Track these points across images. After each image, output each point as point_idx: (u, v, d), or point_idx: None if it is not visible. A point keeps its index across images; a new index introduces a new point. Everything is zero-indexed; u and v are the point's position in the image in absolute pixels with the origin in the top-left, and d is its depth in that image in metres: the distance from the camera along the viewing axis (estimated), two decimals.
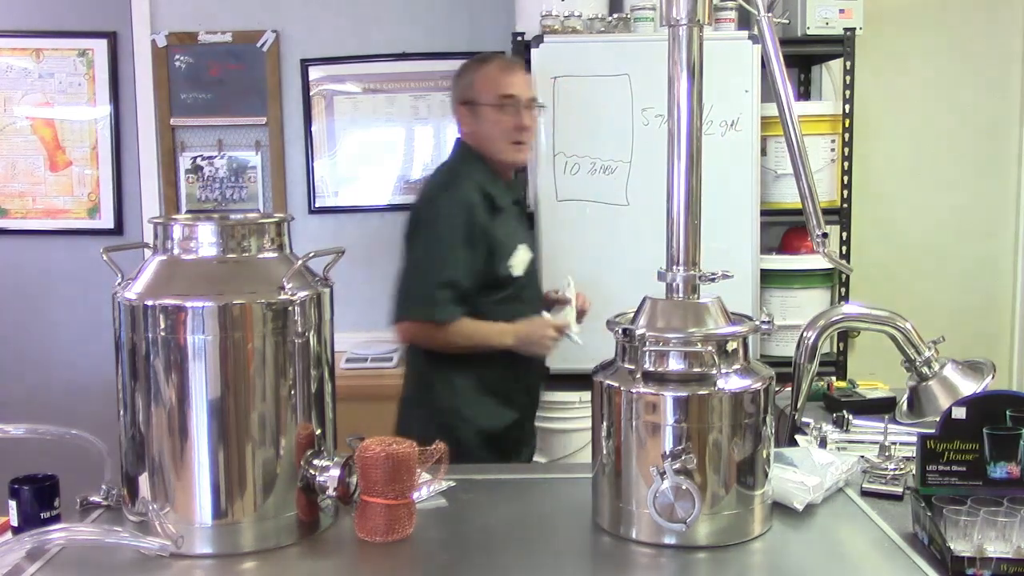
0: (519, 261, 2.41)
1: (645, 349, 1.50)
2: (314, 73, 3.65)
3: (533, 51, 3.06)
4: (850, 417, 2.07)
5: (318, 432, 1.55)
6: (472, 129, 2.45)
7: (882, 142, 3.56)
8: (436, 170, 2.57)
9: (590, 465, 1.59)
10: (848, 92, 3.23)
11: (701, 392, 1.46)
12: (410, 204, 2.57)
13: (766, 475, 1.53)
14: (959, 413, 1.57)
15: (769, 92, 1.91)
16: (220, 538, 1.47)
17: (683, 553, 1.47)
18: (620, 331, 1.55)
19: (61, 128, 3.72)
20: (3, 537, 1.54)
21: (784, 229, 3.46)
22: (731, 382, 1.48)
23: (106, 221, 3.73)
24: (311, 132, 3.67)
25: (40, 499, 1.55)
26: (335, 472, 1.51)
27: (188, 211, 3.66)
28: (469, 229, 2.33)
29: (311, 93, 3.66)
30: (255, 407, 1.47)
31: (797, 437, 2.02)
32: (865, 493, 1.69)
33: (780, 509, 1.59)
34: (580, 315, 2.50)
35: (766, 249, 3.31)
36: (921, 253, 3.62)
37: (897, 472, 1.75)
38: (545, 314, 2.44)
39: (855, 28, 3.20)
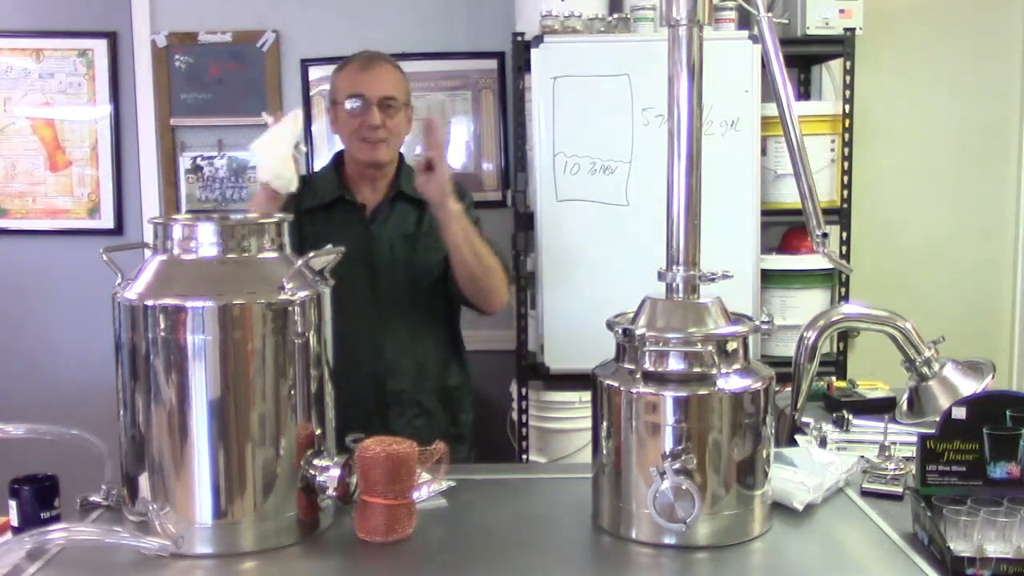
0: (316, 263, 2.31)
1: (645, 349, 1.50)
2: (314, 73, 3.65)
3: (533, 51, 3.06)
4: (850, 417, 2.07)
5: (318, 432, 1.55)
6: (335, 129, 2.43)
7: (882, 142, 3.56)
8: None
9: (590, 465, 1.59)
10: (848, 92, 3.23)
11: (701, 392, 1.46)
12: None
13: (766, 475, 1.53)
14: (959, 413, 1.56)
15: (769, 92, 1.91)
16: (220, 538, 1.47)
17: (683, 553, 1.47)
18: (620, 331, 1.55)
19: (61, 128, 3.72)
20: (3, 537, 1.54)
21: (784, 229, 3.46)
22: (731, 382, 1.48)
23: (106, 221, 3.72)
24: (311, 132, 3.67)
25: (40, 499, 1.55)
26: (335, 472, 1.51)
27: (188, 211, 3.66)
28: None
29: (311, 93, 3.65)
30: (255, 407, 1.47)
31: (797, 437, 2.02)
32: (865, 493, 1.69)
33: (780, 509, 1.59)
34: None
35: (766, 249, 3.30)
36: (921, 253, 3.62)
37: (897, 472, 1.75)
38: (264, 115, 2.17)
39: (855, 28, 3.20)
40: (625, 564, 1.47)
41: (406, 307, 2.41)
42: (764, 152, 3.19)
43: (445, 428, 2.45)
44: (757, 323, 1.57)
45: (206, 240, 1.51)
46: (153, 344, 1.45)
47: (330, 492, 1.51)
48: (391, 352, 2.39)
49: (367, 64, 2.39)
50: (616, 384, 1.51)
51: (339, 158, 2.48)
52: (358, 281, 2.33)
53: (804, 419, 2.07)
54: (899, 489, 1.69)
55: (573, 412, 3.15)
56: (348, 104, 2.34)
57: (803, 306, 3.22)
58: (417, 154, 2.29)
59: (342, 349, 2.14)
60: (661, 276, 1.59)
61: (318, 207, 2.38)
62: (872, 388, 2.32)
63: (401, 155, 2.46)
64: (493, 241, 2.43)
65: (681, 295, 1.57)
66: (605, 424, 1.53)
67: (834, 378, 2.58)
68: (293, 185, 2.11)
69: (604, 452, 1.54)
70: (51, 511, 1.56)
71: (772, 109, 2.73)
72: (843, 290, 3.30)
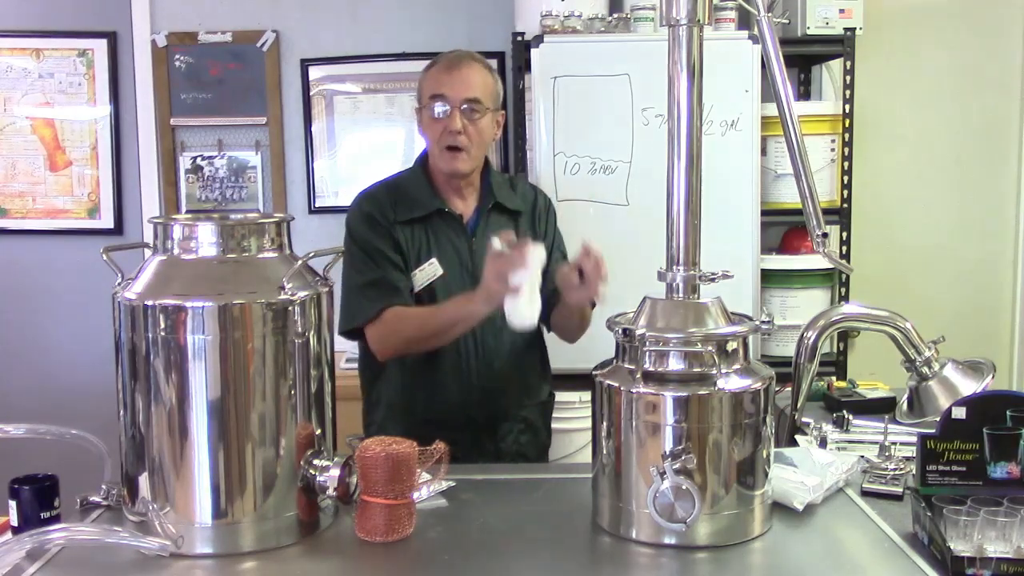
0: (420, 277, 2.22)
1: (645, 349, 1.50)
2: (314, 73, 3.65)
3: (533, 51, 3.06)
4: (850, 417, 2.07)
5: (318, 432, 1.55)
6: (420, 132, 2.28)
7: (882, 142, 3.56)
8: None
9: (590, 465, 1.60)
10: (848, 92, 3.23)
11: (701, 392, 1.46)
12: None
13: (766, 475, 1.53)
14: (959, 413, 1.57)
15: (769, 92, 1.91)
16: (220, 538, 1.47)
17: (683, 553, 1.47)
18: (620, 331, 1.55)
19: (61, 128, 3.72)
20: (3, 537, 1.54)
21: (784, 229, 3.46)
22: (731, 382, 1.48)
23: (106, 221, 3.72)
24: (311, 132, 3.67)
25: (40, 499, 1.55)
26: (335, 472, 1.51)
27: (188, 211, 3.66)
28: (366, 236, 2.19)
29: (311, 93, 3.66)
30: (255, 407, 1.47)
31: (797, 437, 2.02)
32: (865, 493, 1.69)
33: (780, 509, 1.59)
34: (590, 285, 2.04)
35: (766, 249, 3.30)
36: (921, 253, 3.62)
37: (897, 472, 1.75)
38: (495, 242, 1.97)
39: (855, 28, 3.20)
40: (625, 564, 1.47)
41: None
42: (764, 152, 3.19)
43: (543, 441, 2.37)
44: (757, 323, 1.57)
45: (206, 240, 1.51)
46: (153, 344, 1.45)
47: (330, 492, 1.51)
48: (498, 366, 2.24)
49: (453, 63, 2.22)
50: (616, 384, 1.51)
51: (424, 161, 2.31)
52: (444, 295, 2.22)
53: (804, 419, 2.07)
54: (899, 489, 1.69)
55: (573, 412, 3.13)
56: (431, 106, 2.19)
57: (803, 306, 3.22)
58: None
59: (449, 365, 2.18)
60: (661, 276, 1.59)
61: (417, 218, 2.23)
62: (872, 388, 2.32)
63: (487, 161, 2.31)
64: None
65: (681, 295, 1.57)
66: (605, 424, 1.53)
67: (834, 378, 2.58)
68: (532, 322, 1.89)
69: (604, 452, 1.54)
70: (51, 511, 1.56)
71: (772, 109, 2.73)
72: (843, 290, 3.30)
